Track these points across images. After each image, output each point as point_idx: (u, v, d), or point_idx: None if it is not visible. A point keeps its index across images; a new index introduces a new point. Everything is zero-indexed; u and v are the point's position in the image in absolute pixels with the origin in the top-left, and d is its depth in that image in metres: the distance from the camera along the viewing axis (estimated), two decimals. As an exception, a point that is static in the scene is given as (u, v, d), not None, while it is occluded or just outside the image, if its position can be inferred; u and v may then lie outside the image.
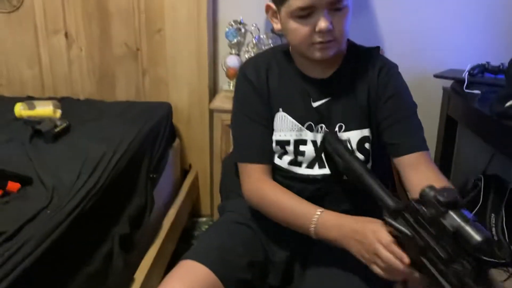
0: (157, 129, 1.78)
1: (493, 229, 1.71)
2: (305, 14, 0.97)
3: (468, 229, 0.68)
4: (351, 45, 1.12)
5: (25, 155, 1.41)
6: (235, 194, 1.20)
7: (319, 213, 0.96)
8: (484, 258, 0.69)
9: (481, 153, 1.87)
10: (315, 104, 1.07)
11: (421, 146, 1.03)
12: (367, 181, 0.93)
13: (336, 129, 1.06)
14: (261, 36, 2.01)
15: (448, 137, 1.86)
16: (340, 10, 0.98)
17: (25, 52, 2.08)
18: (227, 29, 2.01)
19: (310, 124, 1.07)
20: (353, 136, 1.05)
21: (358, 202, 1.09)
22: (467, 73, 1.66)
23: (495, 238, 1.67)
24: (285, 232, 1.08)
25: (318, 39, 0.98)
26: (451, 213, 0.71)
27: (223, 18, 2.04)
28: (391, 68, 1.10)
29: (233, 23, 2.01)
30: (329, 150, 1.04)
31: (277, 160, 1.10)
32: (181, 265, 0.99)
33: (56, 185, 1.22)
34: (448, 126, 1.83)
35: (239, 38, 2.02)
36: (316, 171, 1.08)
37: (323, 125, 1.07)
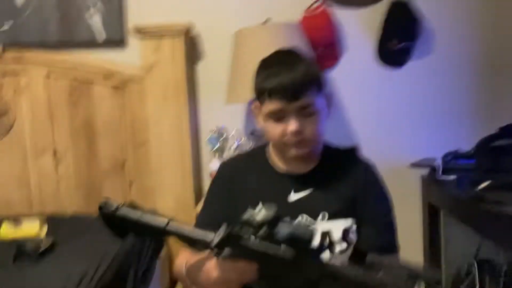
0: (142, 239, 1.77)
1: (494, 316, 1.66)
2: (277, 117, 1.07)
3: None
4: (326, 145, 1.20)
5: (7, 277, 1.39)
6: None
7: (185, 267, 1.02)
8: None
9: (470, 238, 1.87)
10: (295, 197, 1.12)
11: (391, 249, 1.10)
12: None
13: (320, 217, 1.09)
14: (243, 140, 2.09)
15: (432, 223, 1.87)
16: (310, 115, 1.07)
17: (14, 174, 2.13)
18: (209, 136, 2.10)
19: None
20: (337, 226, 1.08)
21: None
22: (440, 160, 1.72)
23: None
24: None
25: (290, 139, 1.07)
26: None
27: (205, 126, 2.13)
28: (375, 169, 1.20)
29: (215, 129, 2.10)
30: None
31: None
32: None
33: (36, 307, 1.20)
34: (431, 213, 1.85)
35: (220, 143, 2.10)
36: None
37: (305, 215, 1.10)
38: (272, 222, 0.81)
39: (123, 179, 2.11)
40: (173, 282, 2.06)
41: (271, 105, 1.07)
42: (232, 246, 0.86)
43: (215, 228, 1.05)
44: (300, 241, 0.81)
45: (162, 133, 2.03)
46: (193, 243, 0.92)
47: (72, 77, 2.08)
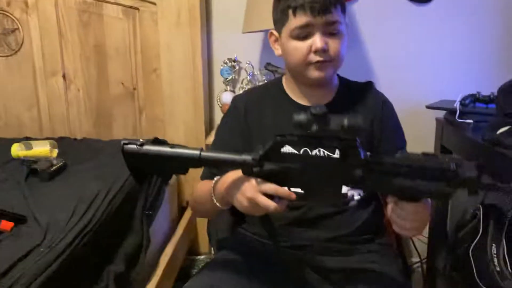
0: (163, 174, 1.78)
1: (495, 259, 1.69)
2: (303, 34, 1.05)
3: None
4: (342, 79, 1.18)
5: (20, 194, 1.42)
6: (225, 230, 1.22)
7: (214, 181, 1.02)
8: None
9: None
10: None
11: None
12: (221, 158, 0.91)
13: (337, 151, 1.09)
14: (255, 73, 2.04)
15: (443, 167, 1.86)
16: (335, 34, 1.07)
17: (24, 94, 2.11)
18: (221, 67, 2.05)
19: (306, 150, 1.09)
20: None
21: (361, 223, 1.14)
22: (458, 103, 1.68)
23: (497, 268, 1.65)
24: (281, 270, 1.07)
25: (314, 58, 1.06)
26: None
27: (218, 56, 2.08)
28: (391, 105, 1.22)
29: (227, 61, 2.05)
30: None
31: None
32: None
33: (50, 223, 1.22)
34: (443, 156, 1.83)
35: (233, 75, 2.06)
36: None
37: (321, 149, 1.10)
38: (322, 117, 0.79)
39: (133, 106, 2.09)
40: (181, 208, 2.10)
41: (297, 21, 1.05)
42: (275, 160, 0.84)
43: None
44: (353, 129, 0.78)
45: (174, 60, 1.98)
46: (232, 166, 0.90)
47: (83, -5, 2.00)
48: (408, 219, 0.87)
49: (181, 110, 2.03)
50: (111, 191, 1.45)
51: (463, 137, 1.62)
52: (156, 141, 0.90)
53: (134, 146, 0.87)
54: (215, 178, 1.03)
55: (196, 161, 0.88)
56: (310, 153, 0.83)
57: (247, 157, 0.86)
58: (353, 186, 0.85)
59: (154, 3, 1.94)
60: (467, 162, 0.82)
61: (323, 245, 1.12)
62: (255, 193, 0.87)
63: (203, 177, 1.18)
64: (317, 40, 1.04)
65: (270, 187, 0.86)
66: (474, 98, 1.70)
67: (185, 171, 0.91)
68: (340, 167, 0.83)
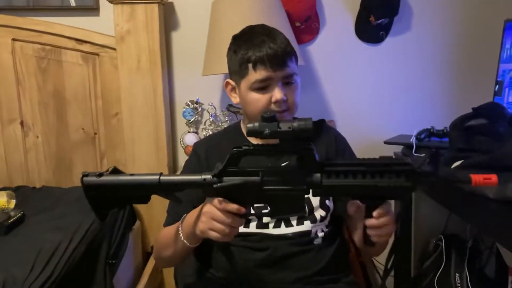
0: (115, 212, 1.75)
1: (459, 289, 1.73)
2: (262, 86, 1.11)
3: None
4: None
5: (-25, 250, 1.35)
6: (192, 275, 1.21)
7: (181, 219, 1.06)
8: None
9: (439, 213, 1.92)
10: None
11: None
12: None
13: None
14: (218, 114, 2.06)
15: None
16: (291, 84, 1.13)
17: (-21, 143, 2.05)
18: (183, 109, 2.07)
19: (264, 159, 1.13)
20: None
21: (327, 261, 1.15)
22: (414, 138, 1.74)
23: (462, 297, 1.68)
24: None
25: (274, 108, 1.11)
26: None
27: (180, 99, 2.09)
28: (344, 138, 1.29)
29: (189, 103, 2.07)
30: None
31: (244, 229, 1.14)
32: None
33: (6, 280, 1.17)
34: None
35: (196, 117, 2.07)
36: (284, 230, 1.14)
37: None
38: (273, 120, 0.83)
39: (94, 151, 2.07)
40: (145, 254, 2.05)
41: (257, 75, 1.10)
42: (235, 174, 0.87)
43: (190, 207, 1.06)
44: (303, 131, 0.82)
45: (135, 104, 1.98)
46: (192, 186, 0.91)
47: (41, 43, 1.98)
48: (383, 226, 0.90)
49: (143, 153, 2.02)
50: (73, 241, 1.41)
51: (420, 171, 1.67)
52: (116, 171, 0.89)
53: (93, 177, 0.86)
54: (183, 216, 1.06)
55: (156, 186, 0.88)
56: (268, 163, 0.86)
57: (207, 176, 0.88)
58: (314, 192, 0.87)
59: (114, 49, 1.95)
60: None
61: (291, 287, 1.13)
62: (211, 207, 0.91)
63: (166, 224, 1.18)
64: (277, 93, 1.10)
65: (227, 203, 0.90)
66: (429, 133, 1.77)
67: (146, 199, 0.91)
68: (299, 174, 0.86)
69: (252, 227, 1.14)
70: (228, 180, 0.87)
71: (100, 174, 0.87)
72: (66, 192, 1.90)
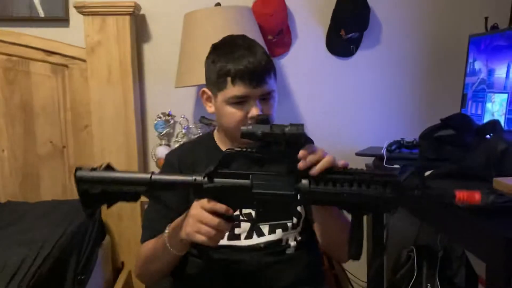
0: (84, 227, 1.70)
1: (431, 299, 1.75)
2: (240, 101, 1.09)
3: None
4: None
5: None
6: None
7: (168, 227, 1.04)
8: None
9: (411, 224, 1.94)
10: None
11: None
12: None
13: None
14: (190, 126, 2.05)
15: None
16: (268, 100, 1.12)
17: None
18: (155, 121, 2.04)
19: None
20: None
21: (300, 272, 1.14)
22: (385, 149, 1.77)
23: (434, 308, 1.70)
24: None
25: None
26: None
27: (152, 111, 2.07)
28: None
29: (161, 115, 2.05)
30: None
31: None
32: None
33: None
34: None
35: (168, 129, 2.05)
36: (256, 240, 1.12)
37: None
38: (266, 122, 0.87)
39: (63, 165, 2.01)
40: (116, 270, 2.00)
41: (235, 90, 1.08)
42: (225, 176, 0.89)
43: (167, 218, 1.04)
44: (294, 136, 0.87)
45: (106, 116, 1.94)
46: (183, 186, 0.91)
47: (8, 54, 1.93)
48: None
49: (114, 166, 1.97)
50: (39, 257, 1.36)
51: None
52: (109, 168, 0.91)
53: (86, 171, 0.88)
54: (169, 225, 1.03)
55: (147, 184, 0.88)
56: (259, 166, 0.89)
57: (198, 177, 0.89)
58: (302, 198, 0.88)
59: (83, 60, 1.92)
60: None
61: None
62: (198, 210, 0.90)
63: (143, 240, 1.15)
64: (254, 110, 1.08)
65: (215, 203, 0.89)
66: (399, 144, 1.79)
67: (136, 198, 0.91)
68: (288, 180, 0.88)
69: (223, 240, 1.12)
70: (219, 182, 0.88)
71: (93, 169, 0.88)
72: (33, 207, 1.84)
